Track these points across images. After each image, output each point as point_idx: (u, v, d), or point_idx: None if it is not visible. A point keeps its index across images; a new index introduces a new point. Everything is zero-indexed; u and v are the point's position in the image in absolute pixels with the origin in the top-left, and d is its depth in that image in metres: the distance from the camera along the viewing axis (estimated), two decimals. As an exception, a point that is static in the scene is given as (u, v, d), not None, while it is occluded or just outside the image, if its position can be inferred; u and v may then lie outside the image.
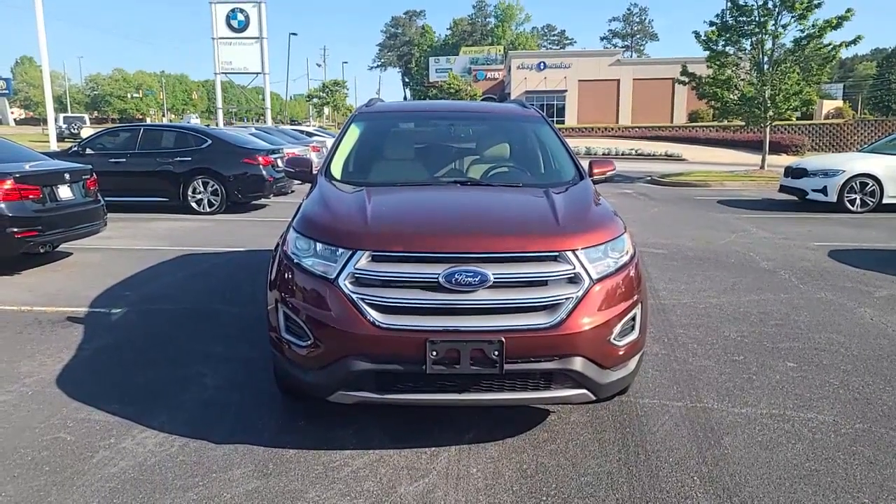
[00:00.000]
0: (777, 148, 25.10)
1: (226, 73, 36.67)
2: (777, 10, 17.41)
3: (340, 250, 3.09)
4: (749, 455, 3.24)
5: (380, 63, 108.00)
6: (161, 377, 4.18)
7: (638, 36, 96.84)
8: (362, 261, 3.02)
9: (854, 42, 16.95)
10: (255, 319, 5.31)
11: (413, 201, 3.76)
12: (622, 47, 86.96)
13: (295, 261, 3.24)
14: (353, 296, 2.99)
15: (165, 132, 12.48)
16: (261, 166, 11.89)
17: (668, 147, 29.94)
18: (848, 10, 16.59)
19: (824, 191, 12.01)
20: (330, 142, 20.51)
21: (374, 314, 2.96)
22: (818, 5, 16.78)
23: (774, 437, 3.43)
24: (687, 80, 19.39)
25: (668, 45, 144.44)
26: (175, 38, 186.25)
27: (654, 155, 26.83)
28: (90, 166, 7.84)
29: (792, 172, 12.96)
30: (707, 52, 18.71)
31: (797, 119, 27.70)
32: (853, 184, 11.81)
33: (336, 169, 4.24)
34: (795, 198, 12.93)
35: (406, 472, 3.07)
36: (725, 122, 34.05)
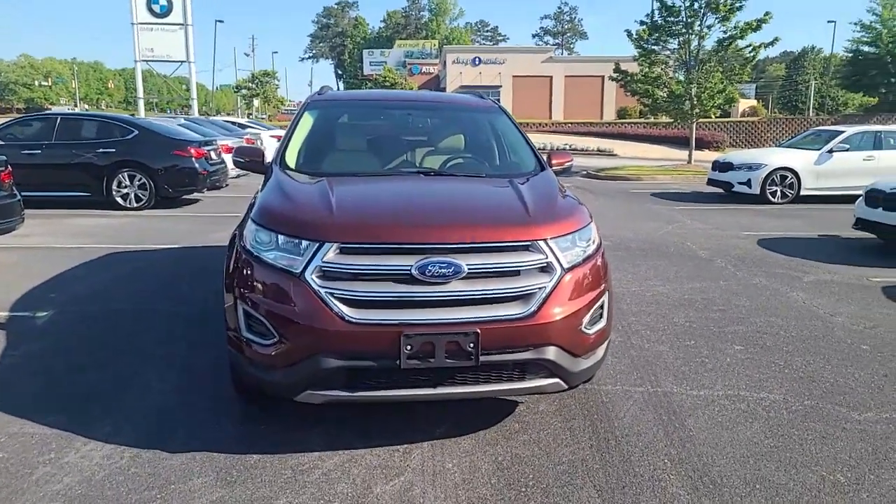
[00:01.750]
0: (700, 144, 26.20)
1: (147, 61, 34.84)
2: (702, 11, 18.13)
3: (305, 243, 2.95)
4: (712, 436, 3.33)
5: (311, 54, 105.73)
6: (100, 384, 3.88)
7: (568, 34, 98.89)
8: (330, 253, 2.90)
9: (772, 43, 17.91)
10: (197, 319, 5.06)
11: (379, 191, 3.64)
12: (553, 45, 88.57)
13: (255, 255, 3.08)
14: (321, 290, 2.86)
15: (86, 121, 11.66)
16: (193, 158, 11.30)
17: (600, 142, 30.71)
18: (766, 14, 17.49)
19: (748, 183, 12.63)
20: (265, 134, 19.95)
21: (343, 309, 2.84)
22: (740, 8, 17.58)
23: (733, 417, 3.54)
24: (619, 77, 19.93)
25: (597, 43, 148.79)
26: (89, 22, 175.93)
27: (587, 150, 27.41)
28: (4, 157, 7.25)
29: (719, 166, 13.55)
30: (638, 51, 19.29)
31: (717, 116, 29.05)
32: (774, 177, 12.46)
33: (291, 158, 4.06)
34: (722, 190, 13.52)
35: (380, 472, 2.98)
36: (652, 119, 35.30)
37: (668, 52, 19.64)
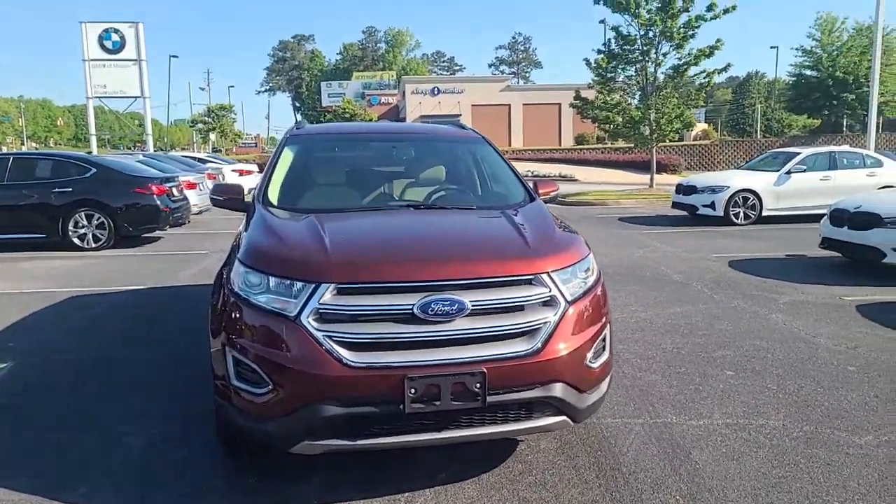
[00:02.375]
0: (658, 167, 26.89)
1: (100, 98, 34.13)
2: (657, 39, 18.72)
3: (300, 284, 2.81)
4: (720, 468, 3.26)
5: (268, 87, 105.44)
6: (73, 441, 3.61)
7: (523, 63, 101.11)
8: (327, 295, 2.76)
9: (725, 69, 18.61)
10: (174, 366, 4.82)
11: (372, 227, 3.53)
12: (510, 73, 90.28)
13: (245, 298, 2.91)
14: (319, 334, 2.72)
15: (40, 161, 11.27)
16: (154, 196, 10.99)
17: (561, 168, 31.23)
18: (718, 41, 18.16)
19: (712, 206, 12.91)
20: (227, 168, 19.63)
21: (343, 352, 2.70)
22: (692, 35, 18.23)
23: (736, 446, 3.49)
24: (580, 104, 20.33)
25: (552, 72, 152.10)
26: (37, 59, 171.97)
27: (549, 176, 27.80)
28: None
29: (683, 189, 13.84)
30: (597, 78, 19.75)
31: (671, 141, 29.93)
32: (737, 198, 12.78)
33: (273, 195, 3.91)
34: (686, 213, 13.79)
35: (384, 524, 2.81)
36: (610, 144, 36.18)
37: (625, 79, 20.18)
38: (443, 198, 4.20)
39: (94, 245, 10.57)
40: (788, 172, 12.82)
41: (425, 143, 4.92)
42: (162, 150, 45.50)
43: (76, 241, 10.47)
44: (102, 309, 6.64)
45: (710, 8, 17.99)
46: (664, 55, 18.97)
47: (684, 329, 5.71)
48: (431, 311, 2.74)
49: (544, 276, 2.96)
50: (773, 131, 53.11)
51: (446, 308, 2.75)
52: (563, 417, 2.98)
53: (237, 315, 2.92)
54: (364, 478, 3.17)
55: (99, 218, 10.59)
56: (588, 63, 19.93)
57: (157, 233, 11.92)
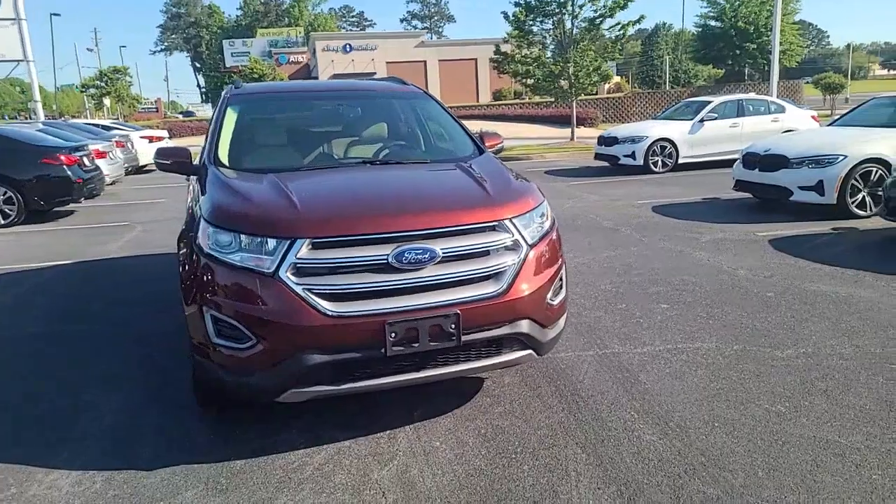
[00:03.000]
0: (577, 121, 27.65)
1: (-25, 62, 31.08)
2: (573, -9, 19.05)
3: (273, 241, 2.87)
4: (665, 386, 3.63)
5: (164, 47, 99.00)
6: (40, 411, 3.58)
7: (436, 18, 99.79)
8: (303, 250, 2.84)
9: (639, 21, 19.21)
10: (119, 337, 4.75)
11: (335, 183, 3.59)
12: (423, 28, 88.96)
13: (217, 258, 2.95)
14: (298, 287, 2.81)
15: (-64, 134, 10.39)
16: (65, 167, 10.32)
17: (482, 125, 31.39)
18: (633, -8, 18.71)
19: (633, 155, 13.52)
20: (135, 136, 18.62)
21: (324, 304, 2.80)
22: (608, -13, 18.68)
23: (678, 367, 3.87)
24: (500, 59, 20.49)
25: (465, 26, 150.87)
26: None
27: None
28: None
29: (604, 141, 14.38)
30: (515, 30, 19.92)
31: (587, 94, 30.82)
32: (655, 147, 13.43)
33: (223, 156, 3.88)
34: (608, 163, 14.37)
35: (372, 459, 2.99)
36: (528, 100, 36.68)
37: (543, 33, 20.48)
38: (393, 153, 4.30)
39: (2, 222, 9.95)
40: (701, 121, 13.55)
41: (369, 100, 4.96)
42: (53, 117, 42.29)
43: (-18, 217, 9.80)
44: (31, 285, 6.36)
45: (624, -41, 18.42)
46: (580, 7, 19.35)
47: (619, 270, 6.11)
48: (405, 259, 2.87)
49: (507, 223, 3.15)
50: (681, 82, 55.44)
51: (419, 256, 2.89)
52: (529, 351, 3.23)
53: (210, 276, 2.96)
54: (344, 420, 3.33)
55: (6, 192, 9.95)
56: (506, 16, 20.06)
57: (70, 206, 11.30)
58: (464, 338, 2.95)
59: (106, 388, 3.83)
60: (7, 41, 29.86)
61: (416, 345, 2.89)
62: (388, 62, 52.32)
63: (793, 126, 13.51)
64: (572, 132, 21.80)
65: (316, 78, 53.13)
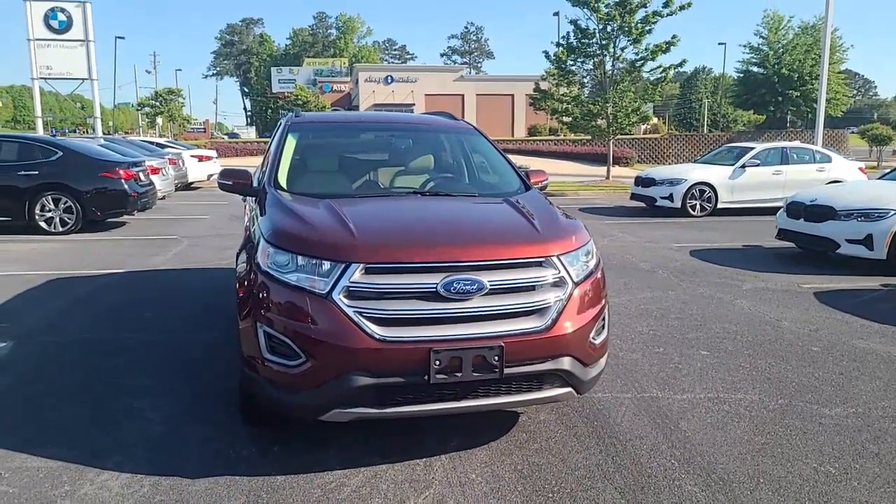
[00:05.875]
0: (612, 160, 27.66)
1: (45, 79, 32.65)
2: (615, 34, 19.27)
3: (329, 264, 2.97)
4: (708, 436, 3.57)
5: (215, 72, 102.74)
6: (93, 415, 3.72)
7: (475, 53, 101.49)
8: (356, 274, 2.93)
9: (680, 65, 19.28)
10: (172, 348, 4.88)
11: (389, 212, 3.70)
12: (462, 63, 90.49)
13: (275, 276, 3.06)
14: (350, 310, 2.89)
15: (4, 143, 10.88)
16: (122, 180, 10.81)
17: (517, 160, 31.65)
18: (674, 37, 18.90)
19: (671, 198, 13.46)
20: (187, 154, 19.26)
21: (373, 327, 2.88)
22: (649, 31, 18.86)
23: (720, 417, 3.81)
24: (539, 96, 20.74)
25: (503, 63, 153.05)
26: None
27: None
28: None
29: (641, 182, 14.37)
30: (556, 70, 20.18)
31: (623, 134, 30.93)
32: (694, 191, 13.36)
33: (283, 180, 4.04)
34: (644, 204, 14.32)
35: (408, 485, 3.02)
36: (563, 136, 36.88)
37: (583, 72, 20.71)
38: (440, 185, 4.40)
39: (61, 229, 10.39)
40: (743, 166, 13.46)
41: (422, 133, 5.11)
42: (108, 133, 43.96)
43: (43, 224, 10.30)
44: (86, 292, 6.59)
45: (666, 4, 18.62)
46: (622, 49, 19.55)
47: (656, 313, 6.07)
48: (453, 289, 2.94)
49: (553, 259, 3.20)
50: (720, 126, 55.07)
51: (467, 287, 2.96)
52: (569, 389, 3.24)
53: (267, 293, 3.06)
54: (381, 446, 3.36)
55: (66, 202, 10.40)
56: (547, 55, 20.35)
57: (124, 217, 11.75)
58: (506, 370, 2.99)
59: (156, 398, 3.95)
60: (75, 61, 31.39)
61: (459, 374, 2.93)
62: (426, 94, 53.28)
63: (839, 177, 13.33)
64: (608, 171, 21.81)
65: (357, 107, 54.35)
